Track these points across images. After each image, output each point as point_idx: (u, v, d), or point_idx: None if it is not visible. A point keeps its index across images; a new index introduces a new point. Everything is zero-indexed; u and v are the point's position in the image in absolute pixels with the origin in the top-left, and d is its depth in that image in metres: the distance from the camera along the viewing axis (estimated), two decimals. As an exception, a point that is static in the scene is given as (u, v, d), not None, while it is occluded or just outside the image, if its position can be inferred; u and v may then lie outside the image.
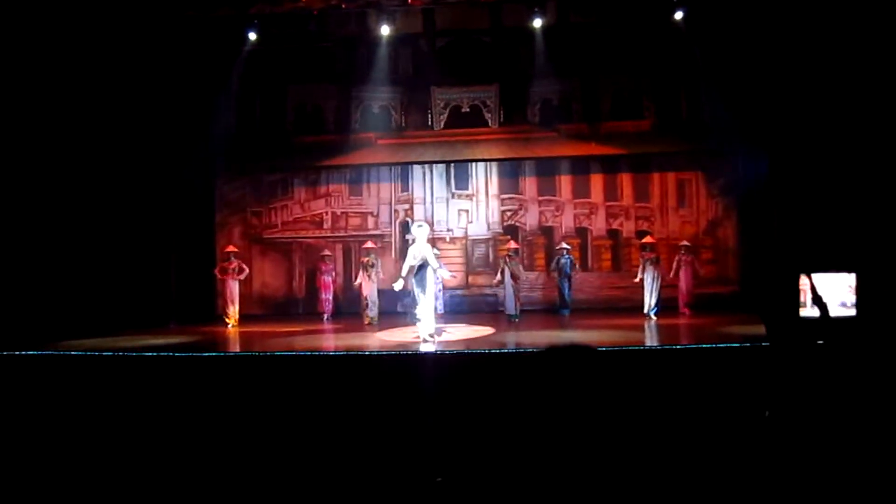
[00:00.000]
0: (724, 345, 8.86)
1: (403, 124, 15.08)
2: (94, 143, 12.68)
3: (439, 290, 11.93)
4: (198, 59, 13.72)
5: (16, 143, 11.54)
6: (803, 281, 5.02)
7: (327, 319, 13.57)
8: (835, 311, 4.89)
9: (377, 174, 15.29)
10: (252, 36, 13.17)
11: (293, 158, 15.09)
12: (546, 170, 14.95)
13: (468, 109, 14.92)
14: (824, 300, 4.79)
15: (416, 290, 10.33)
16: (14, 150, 11.53)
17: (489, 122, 14.86)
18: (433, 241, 14.39)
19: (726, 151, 13.97)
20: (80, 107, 12.40)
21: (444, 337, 10.74)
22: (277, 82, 14.89)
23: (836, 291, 4.73)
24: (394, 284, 10.77)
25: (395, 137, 15.01)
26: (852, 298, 4.77)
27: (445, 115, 14.96)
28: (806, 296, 4.98)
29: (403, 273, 10.48)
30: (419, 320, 10.33)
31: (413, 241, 10.61)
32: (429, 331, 10.27)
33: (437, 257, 10.82)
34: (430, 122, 14.97)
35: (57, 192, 12.15)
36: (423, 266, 10.24)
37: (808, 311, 4.83)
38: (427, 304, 10.33)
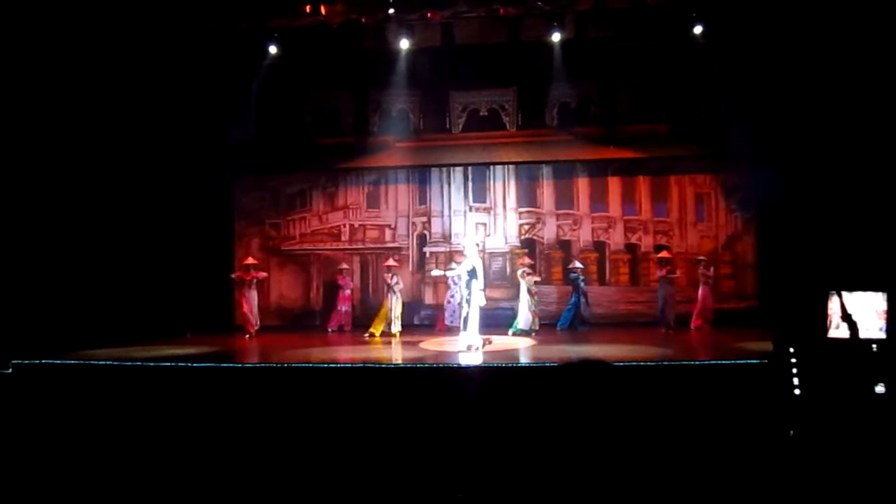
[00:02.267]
0: (744, 361, 8.79)
1: (421, 127, 15.13)
2: (115, 154, 12.86)
3: (458, 304, 11.97)
4: (218, 70, 13.87)
5: (38, 153, 11.71)
6: (833, 300, 4.95)
7: (343, 330, 13.63)
8: (865, 332, 4.81)
9: (395, 186, 15.33)
10: (272, 49, 13.30)
11: (311, 161, 15.16)
12: (564, 178, 14.89)
13: (486, 113, 14.96)
14: (854, 319, 4.72)
15: (463, 301, 10.59)
16: (36, 160, 11.70)
17: (507, 125, 14.89)
18: (450, 255, 14.47)
19: (744, 160, 13.88)
20: (101, 118, 12.59)
21: (461, 350, 10.75)
22: (296, 89, 14.99)
23: (866, 312, 4.64)
24: (434, 271, 11.07)
25: (413, 141, 15.04)
26: (882, 320, 4.69)
27: (463, 118, 15.02)
28: (835, 316, 4.90)
29: (449, 273, 10.76)
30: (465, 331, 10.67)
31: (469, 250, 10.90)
32: (471, 342, 10.41)
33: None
34: (448, 126, 15.02)
35: (76, 203, 12.31)
36: (470, 279, 10.45)
37: (838, 331, 4.76)
38: (473, 315, 10.44)
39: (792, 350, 4.31)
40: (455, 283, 12.16)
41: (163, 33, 12.50)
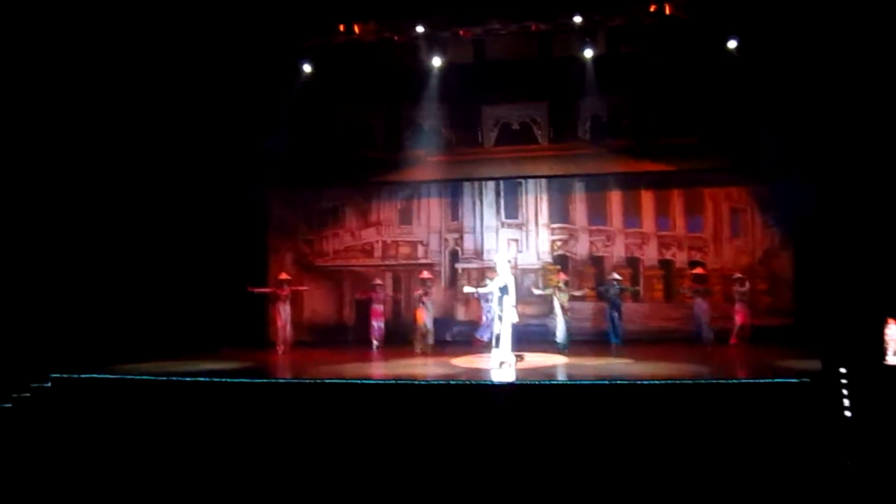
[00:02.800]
0: (782, 380, 8.62)
1: (453, 142, 15.17)
2: (155, 170, 13.08)
3: (490, 319, 11.93)
4: (254, 86, 14.10)
5: (83, 169, 11.96)
6: (890, 327, 4.84)
7: (377, 348, 13.62)
8: None
9: (427, 202, 15.38)
10: (306, 66, 13.48)
11: (344, 175, 15.27)
12: (596, 193, 14.81)
13: (518, 126, 14.96)
14: None
15: (496, 318, 10.61)
16: (81, 176, 11.94)
17: (539, 138, 14.87)
18: (482, 271, 14.46)
19: (780, 173, 13.68)
20: (141, 134, 12.83)
21: (521, 365, 10.74)
22: (329, 105, 15.14)
23: None
24: (465, 288, 11.04)
25: (445, 155, 15.08)
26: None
27: (495, 132, 15.03)
28: (893, 343, 4.79)
29: (482, 290, 10.75)
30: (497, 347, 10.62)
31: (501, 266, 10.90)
32: (504, 358, 10.37)
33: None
34: (479, 140, 15.06)
35: (115, 218, 12.52)
36: (502, 296, 10.43)
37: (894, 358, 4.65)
38: (505, 331, 10.44)
39: (843, 373, 4.22)
40: (488, 300, 12.11)
41: (202, 50, 12.75)
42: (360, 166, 15.21)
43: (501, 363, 10.51)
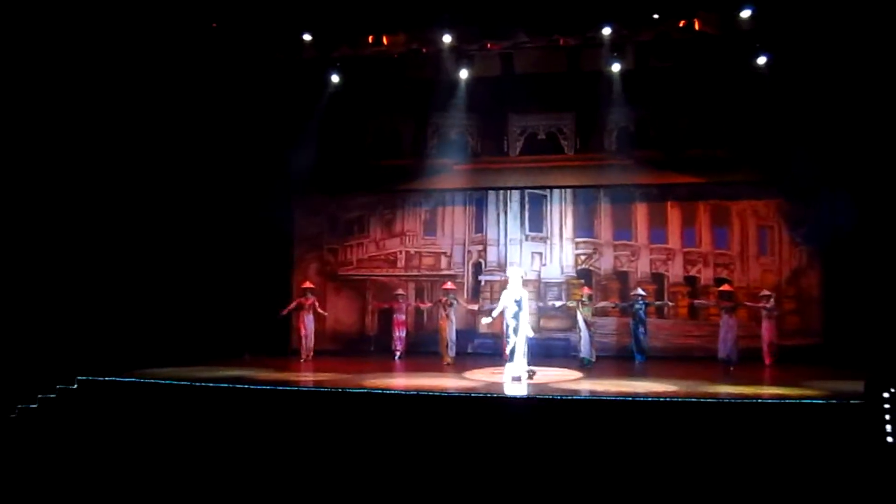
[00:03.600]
0: (809, 400, 8.48)
1: (479, 150, 15.19)
2: (184, 182, 13.23)
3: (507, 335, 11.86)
4: (282, 97, 14.24)
5: (114, 179, 12.13)
6: None
7: (399, 358, 13.62)
8: None
9: (452, 213, 15.38)
10: (335, 78, 13.58)
11: (370, 183, 15.34)
12: (622, 206, 14.72)
13: (544, 136, 14.95)
14: None
15: (510, 331, 10.47)
16: (113, 185, 12.12)
17: (565, 149, 14.84)
18: (505, 284, 14.37)
19: (810, 190, 13.55)
20: (170, 145, 12.98)
21: (535, 380, 10.65)
22: (357, 115, 15.22)
23: None
24: (483, 319, 10.83)
25: (471, 163, 15.10)
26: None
27: (521, 141, 15.03)
28: None
29: (495, 312, 10.59)
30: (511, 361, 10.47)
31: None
32: (518, 373, 10.29)
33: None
34: (505, 149, 15.05)
35: (146, 227, 12.67)
36: (518, 310, 10.34)
37: None
38: (519, 345, 10.32)
39: (888, 395, 4.12)
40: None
41: (232, 63, 12.91)
42: (387, 174, 15.26)
43: (515, 377, 10.42)
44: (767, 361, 12.51)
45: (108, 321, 11.72)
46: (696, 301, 13.90)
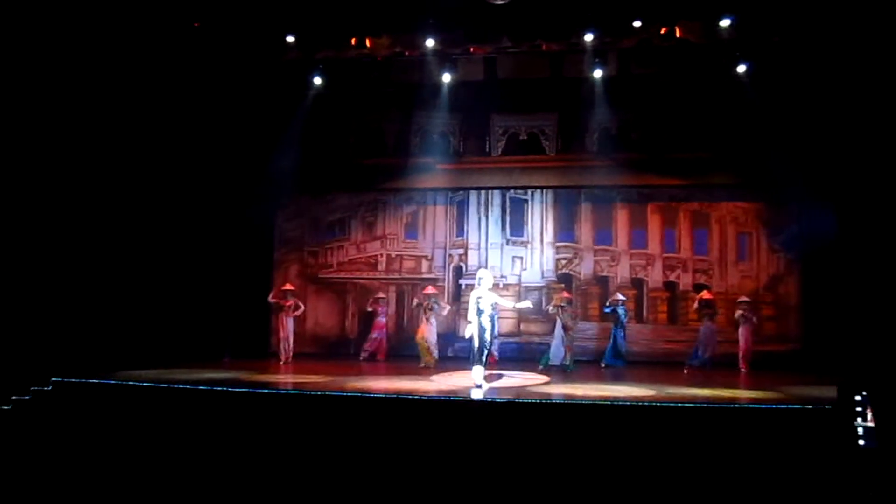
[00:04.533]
0: (785, 405, 8.55)
1: (461, 150, 15.23)
2: (164, 182, 13.14)
3: (495, 336, 11.86)
4: (265, 100, 14.19)
5: (91, 179, 12.02)
6: None
7: (363, 359, 13.69)
8: None
9: (433, 217, 15.39)
10: (317, 80, 13.56)
11: (352, 181, 15.33)
12: (603, 210, 14.79)
13: (526, 137, 15.02)
14: None
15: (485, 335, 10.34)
16: (89, 185, 12.01)
17: (547, 150, 14.91)
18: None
19: (789, 196, 13.70)
20: (150, 147, 12.89)
21: (498, 384, 10.63)
22: (340, 117, 15.23)
23: None
24: (464, 332, 10.65)
25: (453, 163, 15.14)
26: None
27: (503, 141, 15.10)
28: None
29: (470, 316, 10.51)
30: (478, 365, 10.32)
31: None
32: (476, 377, 10.26)
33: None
34: (487, 149, 15.11)
35: (124, 227, 12.57)
36: (479, 312, 10.27)
37: None
38: (477, 351, 10.31)
39: (862, 402, 4.18)
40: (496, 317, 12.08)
41: (213, 65, 12.85)
42: (370, 173, 15.26)
43: (474, 381, 10.36)
44: (743, 368, 12.61)
45: (85, 322, 11.60)
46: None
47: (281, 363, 13.14)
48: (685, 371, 12.27)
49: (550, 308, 13.34)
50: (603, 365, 13.12)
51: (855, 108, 12.06)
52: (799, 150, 13.05)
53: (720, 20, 11.73)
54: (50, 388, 9.84)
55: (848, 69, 11.86)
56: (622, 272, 14.69)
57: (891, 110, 11.32)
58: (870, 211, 11.95)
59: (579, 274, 14.83)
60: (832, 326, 12.52)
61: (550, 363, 12.63)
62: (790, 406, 8.45)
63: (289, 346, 13.40)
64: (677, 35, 12.06)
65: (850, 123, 12.21)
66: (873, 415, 4.32)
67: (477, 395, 9.67)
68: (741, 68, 12.68)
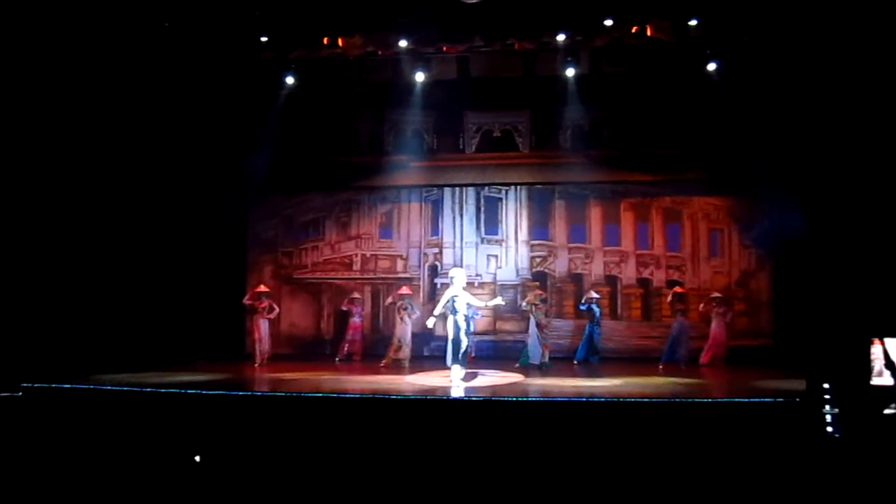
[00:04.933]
0: (758, 399, 8.67)
1: (435, 147, 15.23)
2: (135, 183, 12.99)
3: (470, 333, 11.88)
4: (237, 99, 14.07)
5: (58, 179, 11.84)
6: (876, 346, 4.91)
7: (339, 360, 13.63)
8: None
9: (408, 217, 15.37)
10: (290, 80, 13.49)
11: (326, 180, 15.25)
12: (577, 207, 14.88)
13: (500, 134, 15.05)
14: None
15: (461, 334, 10.46)
16: (55, 185, 11.82)
17: (520, 146, 14.97)
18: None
19: (760, 193, 13.89)
20: (120, 148, 12.73)
21: (473, 382, 10.67)
22: (313, 116, 15.13)
23: None
24: (427, 323, 10.87)
25: (427, 160, 15.14)
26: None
27: (477, 139, 15.11)
28: (878, 362, 4.85)
29: (437, 310, 10.57)
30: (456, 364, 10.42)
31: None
32: (456, 378, 10.29)
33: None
34: (461, 146, 15.12)
35: (92, 229, 12.40)
36: (453, 311, 10.31)
37: (882, 378, 4.71)
38: (450, 349, 10.37)
39: (828, 392, 4.26)
40: (474, 316, 12.15)
41: (184, 65, 12.71)
42: (344, 171, 15.18)
43: (451, 380, 10.44)
44: (703, 360, 12.79)
45: (56, 325, 11.44)
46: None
47: (256, 365, 13.06)
48: (660, 368, 12.39)
49: (524, 305, 13.36)
50: (576, 362, 13.23)
51: (823, 105, 12.24)
52: (769, 148, 13.21)
53: (690, 20, 11.84)
54: (20, 393, 9.69)
55: (816, 68, 12.03)
56: (596, 269, 14.79)
57: (858, 107, 11.52)
58: (838, 207, 12.15)
59: (554, 272, 14.90)
60: (804, 321, 12.69)
61: (530, 362, 12.67)
62: (763, 399, 8.58)
63: (264, 347, 13.32)
64: (648, 34, 12.15)
65: (819, 121, 12.38)
66: (838, 405, 4.42)
67: (454, 393, 9.69)
68: (711, 67, 12.82)
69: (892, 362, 4.60)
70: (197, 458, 7.36)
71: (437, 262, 15.20)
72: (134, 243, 13.05)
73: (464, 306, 10.59)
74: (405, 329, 13.05)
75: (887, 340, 4.76)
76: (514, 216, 15.13)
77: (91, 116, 12.22)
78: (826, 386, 4.35)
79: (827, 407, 4.36)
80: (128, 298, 12.81)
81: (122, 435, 8.82)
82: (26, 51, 11.06)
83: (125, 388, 9.69)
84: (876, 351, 4.82)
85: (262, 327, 13.35)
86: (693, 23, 11.80)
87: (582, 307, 13.60)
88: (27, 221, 11.41)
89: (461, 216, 15.26)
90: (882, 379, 4.75)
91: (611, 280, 14.76)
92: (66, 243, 11.92)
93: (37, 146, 11.55)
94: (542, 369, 12.33)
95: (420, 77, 13.49)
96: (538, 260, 15.00)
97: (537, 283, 14.41)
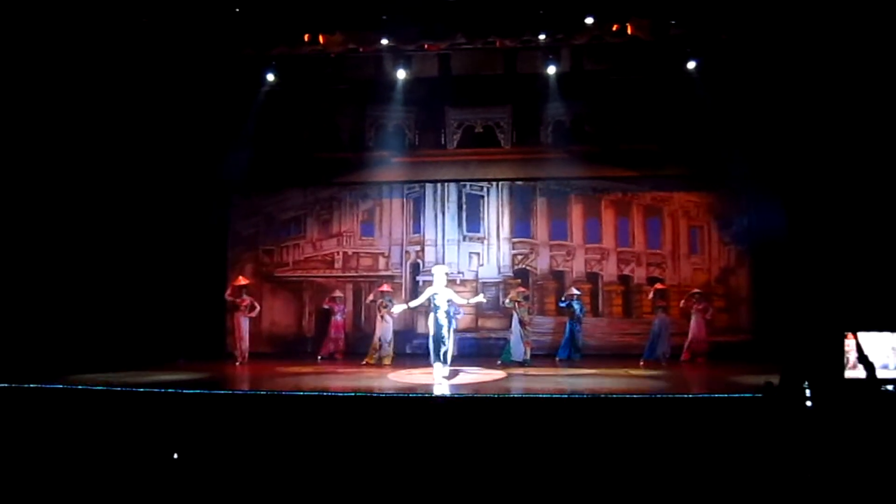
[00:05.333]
0: (738, 395, 8.75)
1: (416, 143, 15.21)
2: (113, 180, 12.86)
3: (453, 330, 11.89)
4: (217, 96, 13.97)
5: (38, 178, 11.71)
6: (849, 340, 4.98)
7: (321, 359, 13.58)
8: (879, 372, 4.83)
9: (389, 214, 15.34)
10: (270, 76, 13.42)
11: (307, 176, 15.20)
12: (558, 205, 14.95)
13: (481, 130, 15.06)
14: (871, 360, 4.73)
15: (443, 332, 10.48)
16: (34, 184, 11.70)
17: (502, 142, 15.00)
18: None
19: (739, 189, 14.04)
20: (99, 145, 12.61)
21: (456, 380, 10.68)
22: (294, 112, 15.05)
23: (879, 352, 4.68)
24: (394, 308, 11.54)
25: (409, 156, 15.13)
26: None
27: (459, 134, 15.12)
28: (851, 356, 4.93)
29: (413, 303, 10.61)
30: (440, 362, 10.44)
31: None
32: (439, 376, 10.28)
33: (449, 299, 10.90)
34: (443, 142, 15.13)
35: (69, 227, 12.27)
36: (434, 308, 10.30)
37: (855, 371, 4.78)
38: (431, 346, 10.36)
39: (804, 387, 4.31)
40: (457, 314, 12.18)
41: (164, 61, 12.61)
42: (325, 167, 15.13)
43: (434, 378, 10.44)
44: (683, 357, 12.88)
45: (31, 324, 11.31)
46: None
47: (237, 364, 12.98)
48: (641, 364, 12.46)
49: (506, 302, 13.38)
50: (558, 359, 13.27)
51: (801, 103, 12.39)
52: (747, 145, 13.35)
53: (670, 18, 11.91)
54: (-6, 394, 9.57)
55: (794, 66, 12.17)
56: (578, 266, 14.85)
57: (836, 105, 11.65)
58: (814, 204, 12.30)
59: (536, 269, 14.94)
60: (783, 317, 12.84)
61: (512, 359, 12.69)
62: (742, 395, 8.67)
63: (245, 346, 13.25)
64: (628, 32, 12.21)
65: (797, 118, 12.54)
66: (812, 398, 4.49)
67: (436, 391, 9.69)
68: (691, 64, 12.93)
69: (866, 356, 4.65)
70: (175, 456, 7.28)
71: (419, 260, 15.19)
72: (112, 241, 12.93)
73: (445, 303, 10.60)
74: (386, 327, 13.02)
75: (861, 334, 4.83)
76: (496, 213, 15.15)
77: (70, 114, 12.10)
78: (801, 381, 4.42)
79: (802, 399, 4.44)
80: (106, 297, 12.68)
81: (97, 436, 8.72)
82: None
83: (103, 389, 9.58)
84: (850, 345, 4.90)
85: (243, 325, 13.28)
86: (672, 22, 11.88)
87: (562, 304, 13.64)
88: (2, 218, 11.26)
89: (443, 213, 15.26)
90: (855, 372, 4.82)
91: (592, 277, 14.83)
92: (42, 240, 11.79)
93: (13, 144, 11.41)
94: (525, 366, 12.36)
95: (402, 74, 13.49)
96: (520, 257, 15.03)
97: (519, 281, 14.44)
